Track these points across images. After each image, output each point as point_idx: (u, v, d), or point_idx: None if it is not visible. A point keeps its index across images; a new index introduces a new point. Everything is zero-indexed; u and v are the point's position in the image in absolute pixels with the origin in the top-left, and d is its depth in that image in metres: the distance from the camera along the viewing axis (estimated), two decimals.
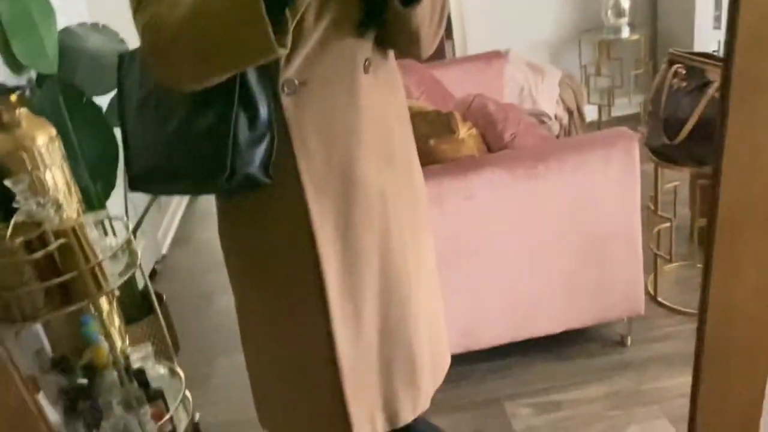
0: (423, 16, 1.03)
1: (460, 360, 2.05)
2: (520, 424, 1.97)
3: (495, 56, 3.25)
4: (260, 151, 1.05)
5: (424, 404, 1.37)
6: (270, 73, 1.04)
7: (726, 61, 0.60)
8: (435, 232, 1.37)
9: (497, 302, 2.03)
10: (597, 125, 3.83)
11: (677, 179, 2.39)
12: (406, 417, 1.33)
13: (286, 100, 1.06)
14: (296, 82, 1.05)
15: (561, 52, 3.89)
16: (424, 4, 1.01)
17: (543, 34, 3.84)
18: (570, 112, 3.46)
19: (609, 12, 3.62)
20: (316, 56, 1.05)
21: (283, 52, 0.90)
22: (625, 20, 3.62)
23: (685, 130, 2.05)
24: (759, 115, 0.60)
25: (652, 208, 2.37)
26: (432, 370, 1.36)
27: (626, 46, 3.72)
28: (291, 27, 0.91)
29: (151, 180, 1.12)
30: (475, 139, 1.99)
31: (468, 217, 1.91)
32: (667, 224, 2.35)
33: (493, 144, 2.04)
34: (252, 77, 1.02)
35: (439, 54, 3.20)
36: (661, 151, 2.20)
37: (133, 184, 1.14)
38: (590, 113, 3.74)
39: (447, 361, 1.46)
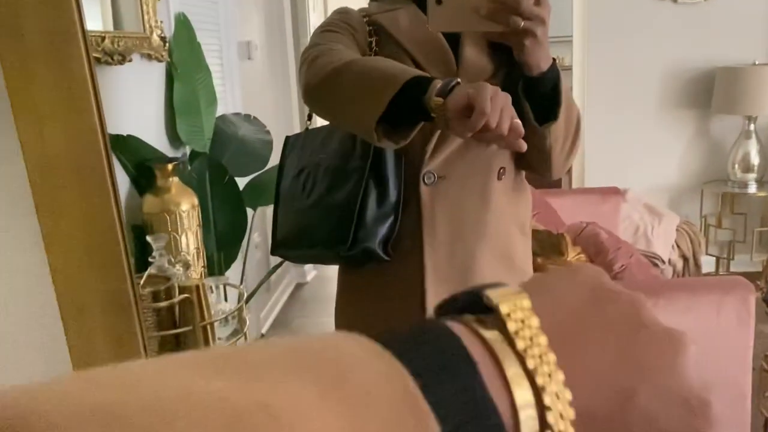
0: (557, 136, 1.09)
1: None
2: None
3: (612, 192, 3.26)
4: (383, 228, 1.16)
5: None
6: (414, 162, 1.16)
7: None
8: None
9: None
10: None
11: None
12: None
13: (424, 189, 1.17)
14: (436, 175, 1.16)
15: (681, 199, 3.83)
16: (559, 124, 1.06)
17: (664, 180, 3.82)
18: (685, 259, 3.37)
19: (736, 166, 3.57)
20: (457, 157, 1.17)
21: (385, 145, 1.02)
22: (753, 176, 3.54)
23: None
24: None
25: (767, 368, 2.23)
26: None
27: (752, 202, 3.62)
28: (412, 134, 1.03)
29: (290, 245, 1.27)
30: None
31: None
32: None
33: None
34: (390, 161, 1.15)
35: (555, 183, 3.26)
36: None
37: (275, 249, 1.30)
38: (707, 265, 3.61)
39: None
